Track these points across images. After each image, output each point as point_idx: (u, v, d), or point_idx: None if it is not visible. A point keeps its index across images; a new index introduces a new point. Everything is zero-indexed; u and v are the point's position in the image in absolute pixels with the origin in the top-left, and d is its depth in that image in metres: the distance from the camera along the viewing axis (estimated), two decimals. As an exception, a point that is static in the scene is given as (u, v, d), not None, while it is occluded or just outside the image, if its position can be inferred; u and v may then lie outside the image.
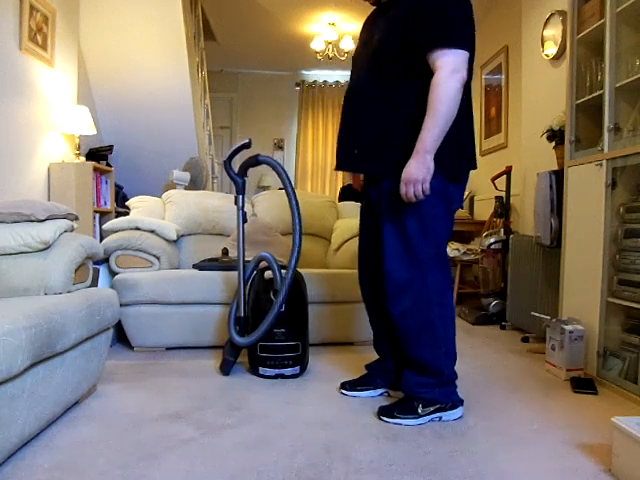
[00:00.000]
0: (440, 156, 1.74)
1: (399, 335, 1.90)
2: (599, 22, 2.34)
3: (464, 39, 1.71)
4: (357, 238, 3.20)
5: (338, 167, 2.00)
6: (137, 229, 2.94)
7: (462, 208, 3.09)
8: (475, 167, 1.91)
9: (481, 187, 4.89)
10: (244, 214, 2.39)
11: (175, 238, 3.13)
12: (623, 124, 2.23)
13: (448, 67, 1.66)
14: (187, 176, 4.69)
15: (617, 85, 2.22)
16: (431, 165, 1.70)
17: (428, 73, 1.72)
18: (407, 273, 1.82)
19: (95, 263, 2.34)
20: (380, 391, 2.11)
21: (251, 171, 2.59)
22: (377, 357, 2.17)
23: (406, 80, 1.77)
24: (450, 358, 1.89)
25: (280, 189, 4.04)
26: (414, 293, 1.83)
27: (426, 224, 1.80)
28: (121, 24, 4.30)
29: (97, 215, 3.80)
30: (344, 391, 2.12)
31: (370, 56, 1.86)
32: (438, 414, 1.83)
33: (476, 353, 2.81)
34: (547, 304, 3.05)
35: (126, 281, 2.69)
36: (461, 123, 1.79)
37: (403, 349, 1.91)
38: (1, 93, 3.01)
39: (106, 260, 2.81)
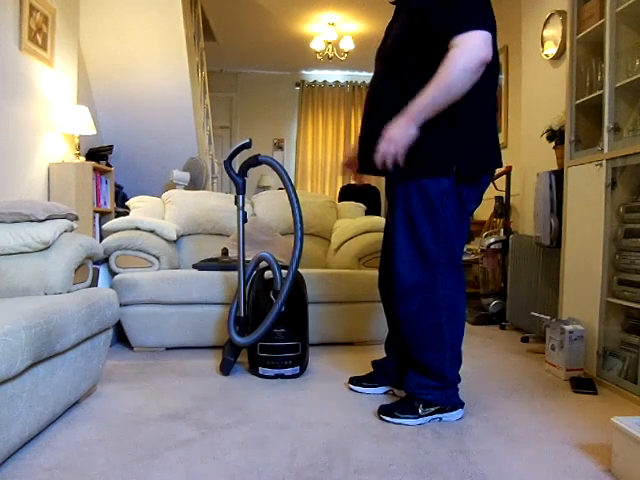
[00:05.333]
0: (452, 156, 1.73)
1: (405, 336, 1.90)
2: (599, 22, 2.34)
3: (480, 20, 1.64)
4: (357, 238, 3.24)
5: (361, 170, 1.98)
6: (137, 229, 2.94)
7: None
8: (497, 167, 1.87)
9: (481, 187, 4.87)
10: (244, 214, 2.39)
11: (175, 238, 3.13)
12: (623, 124, 2.23)
13: (462, 46, 1.61)
14: (187, 176, 4.69)
15: (617, 85, 2.22)
16: (410, 132, 1.68)
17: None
18: (417, 275, 1.81)
19: (95, 263, 2.34)
20: (384, 389, 2.12)
21: (251, 171, 2.59)
22: (384, 355, 2.18)
23: (419, 81, 1.73)
24: (454, 363, 1.88)
25: (280, 189, 4.04)
26: (422, 296, 1.82)
27: (439, 227, 1.78)
28: (121, 24, 4.31)
29: (97, 215, 3.80)
30: (351, 385, 2.15)
31: (384, 58, 1.86)
32: (438, 415, 1.83)
33: (476, 353, 2.81)
34: (547, 304, 3.06)
35: (126, 281, 2.69)
36: (476, 121, 1.76)
37: (408, 350, 1.91)
38: (1, 93, 3.01)
39: (106, 260, 2.81)
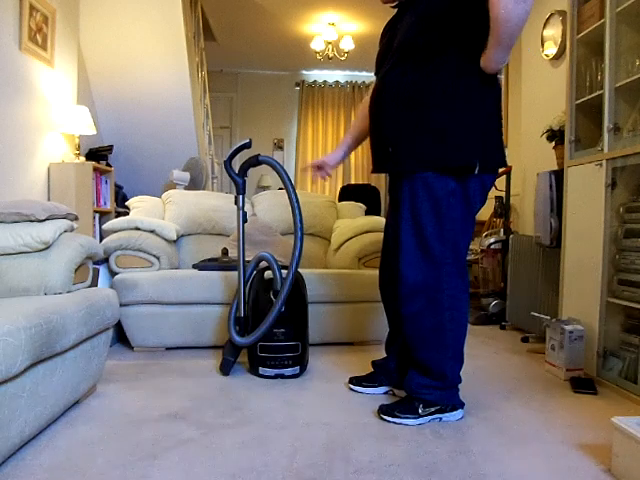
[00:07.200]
0: (460, 149, 1.71)
1: (407, 335, 1.89)
2: (599, 22, 2.34)
3: None
4: (357, 238, 3.24)
5: (375, 170, 1.97)
6: (137, 229, 2.93)
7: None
8: (502, 165, 1.84)
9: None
10: (244, 214, 2.39)
11: (175, 238, 3.13)
12: (623, 124, 2.23)
13: None
14: (187, 176, 4.69)
15: (617, 85, 2.22)
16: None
17: (456, 58, 1.71)
18: (421, 275, 1.81)
19: (95, 263, 2.34)
20: (384, 389, 2.12)
21: (251, 171, 2.59)
22: (385, 355, 2.18)
23: (433, 70, 1.73)
24: (456, 363, 1.87)
25: (280, 189, 4.04)
26: (426, 296, 1.81)
27: (444, 226, 1.78)
28: (121, 24, 4.31)
29: (97, 215, 3.80)
30: (351, 385, 2.15)
31: (395, 54, 1.83)
32: (438, 415, 1.83)
33: (476, 353, 2.81)
34: (547, 304, 3.05)
35: (126, 281, 2.69)
36: (485, 117, 1.76)
37: (410, 349, 1.90)
38: (1, 93, 3.01)
39: (106, 260, 2.81)
